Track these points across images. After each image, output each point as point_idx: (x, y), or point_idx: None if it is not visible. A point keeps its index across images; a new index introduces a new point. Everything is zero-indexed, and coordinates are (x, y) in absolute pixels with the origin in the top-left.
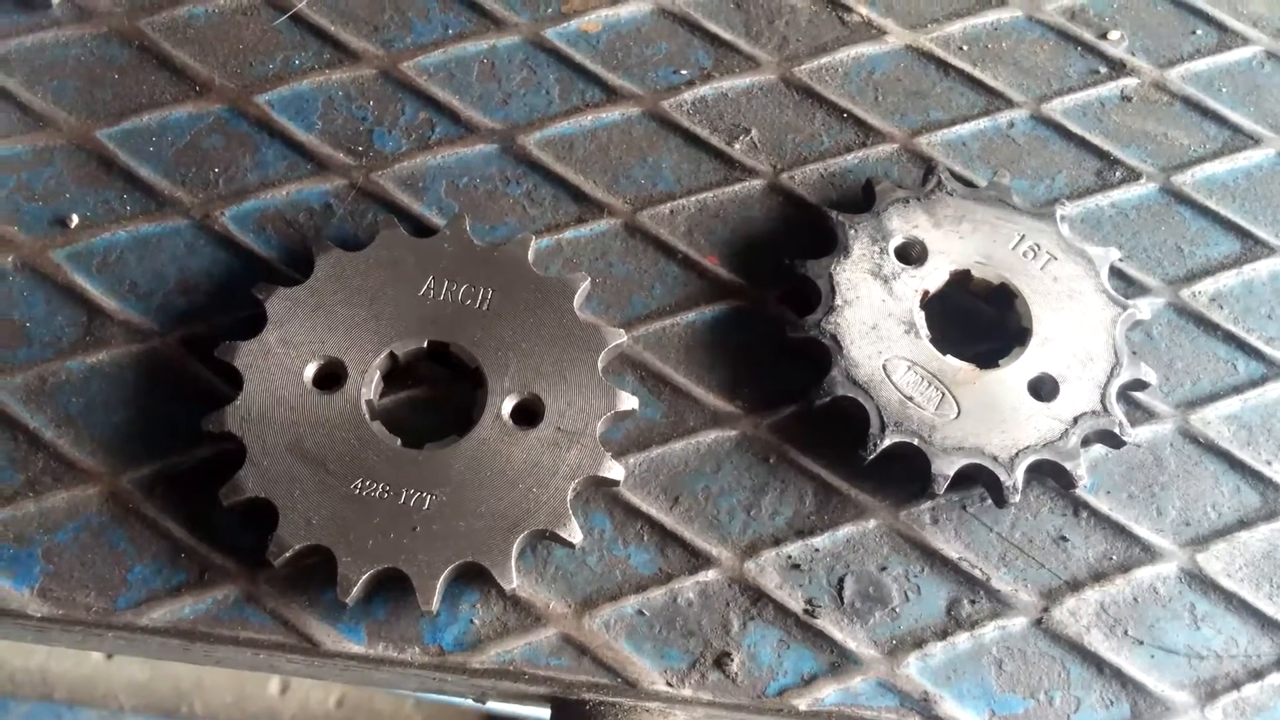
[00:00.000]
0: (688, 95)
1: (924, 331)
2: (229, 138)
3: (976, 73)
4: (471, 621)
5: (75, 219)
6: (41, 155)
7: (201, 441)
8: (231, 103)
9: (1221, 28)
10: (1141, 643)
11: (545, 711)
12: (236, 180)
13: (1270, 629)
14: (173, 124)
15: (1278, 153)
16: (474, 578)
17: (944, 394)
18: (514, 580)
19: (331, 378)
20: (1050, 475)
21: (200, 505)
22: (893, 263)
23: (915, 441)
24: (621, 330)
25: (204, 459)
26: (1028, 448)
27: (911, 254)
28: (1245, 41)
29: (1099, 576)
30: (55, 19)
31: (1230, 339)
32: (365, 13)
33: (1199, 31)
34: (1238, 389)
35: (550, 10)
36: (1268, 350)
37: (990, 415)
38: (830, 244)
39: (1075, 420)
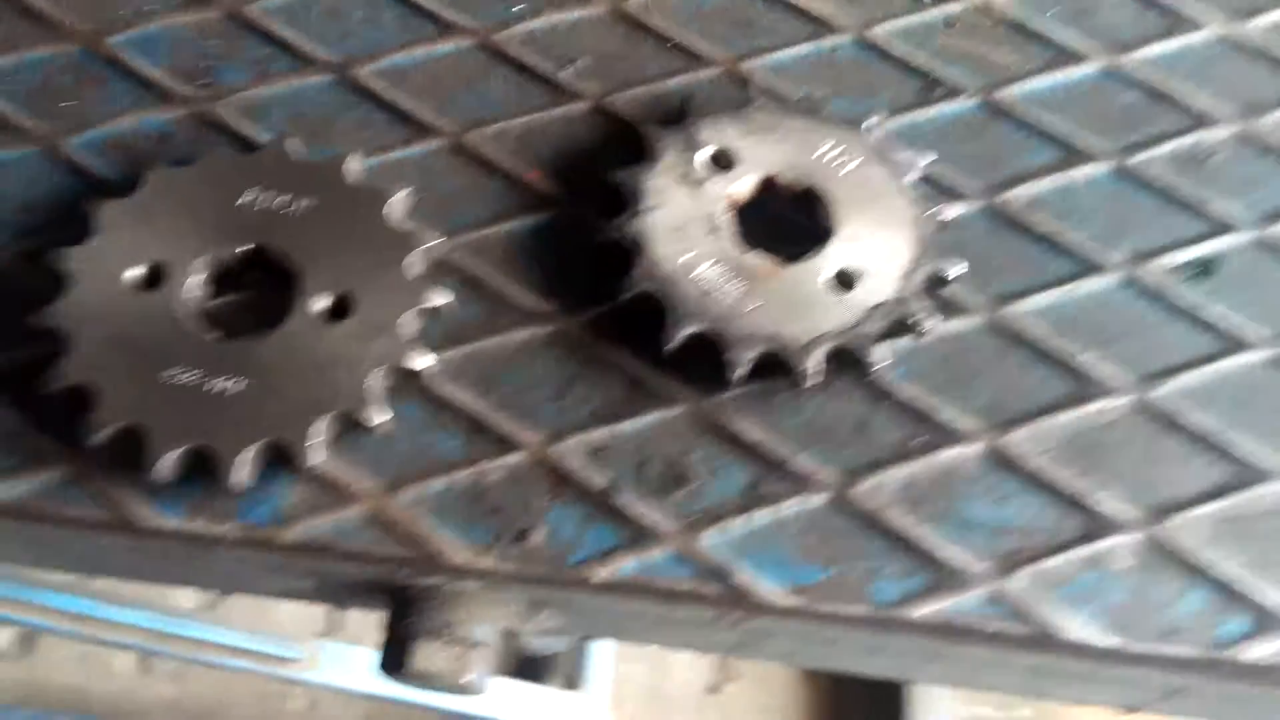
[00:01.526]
0: (519, 29)
1: (727, 231)
2: (81, 77)
3: (803, 2)
4: (282, 500)
5: None
6: None
7: (31, 340)
8: (85, 44)
9: None
10: (944, 518)
11: None
12: (84, 113)
13: (1074, 508)
14: (28, 65)
15: (1102, 69)
16: (286, 460)
17: (745, 287)
18: (316, 459)
19: (154, 279)
20: (850, 364)
21: (28, 399)
22: (701, 170)
23: (713, 330)
24: (437, 233)
25: (33, 357)
26: (824, 334)
27: (721, 162)
28: None
29: (903, 457)
30: None
31: (1045, 240)
32: None
33: None
34: (1051, 285)
35: None
36: (1082, 250)
37: (789, 306)
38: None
39: (874, 308)
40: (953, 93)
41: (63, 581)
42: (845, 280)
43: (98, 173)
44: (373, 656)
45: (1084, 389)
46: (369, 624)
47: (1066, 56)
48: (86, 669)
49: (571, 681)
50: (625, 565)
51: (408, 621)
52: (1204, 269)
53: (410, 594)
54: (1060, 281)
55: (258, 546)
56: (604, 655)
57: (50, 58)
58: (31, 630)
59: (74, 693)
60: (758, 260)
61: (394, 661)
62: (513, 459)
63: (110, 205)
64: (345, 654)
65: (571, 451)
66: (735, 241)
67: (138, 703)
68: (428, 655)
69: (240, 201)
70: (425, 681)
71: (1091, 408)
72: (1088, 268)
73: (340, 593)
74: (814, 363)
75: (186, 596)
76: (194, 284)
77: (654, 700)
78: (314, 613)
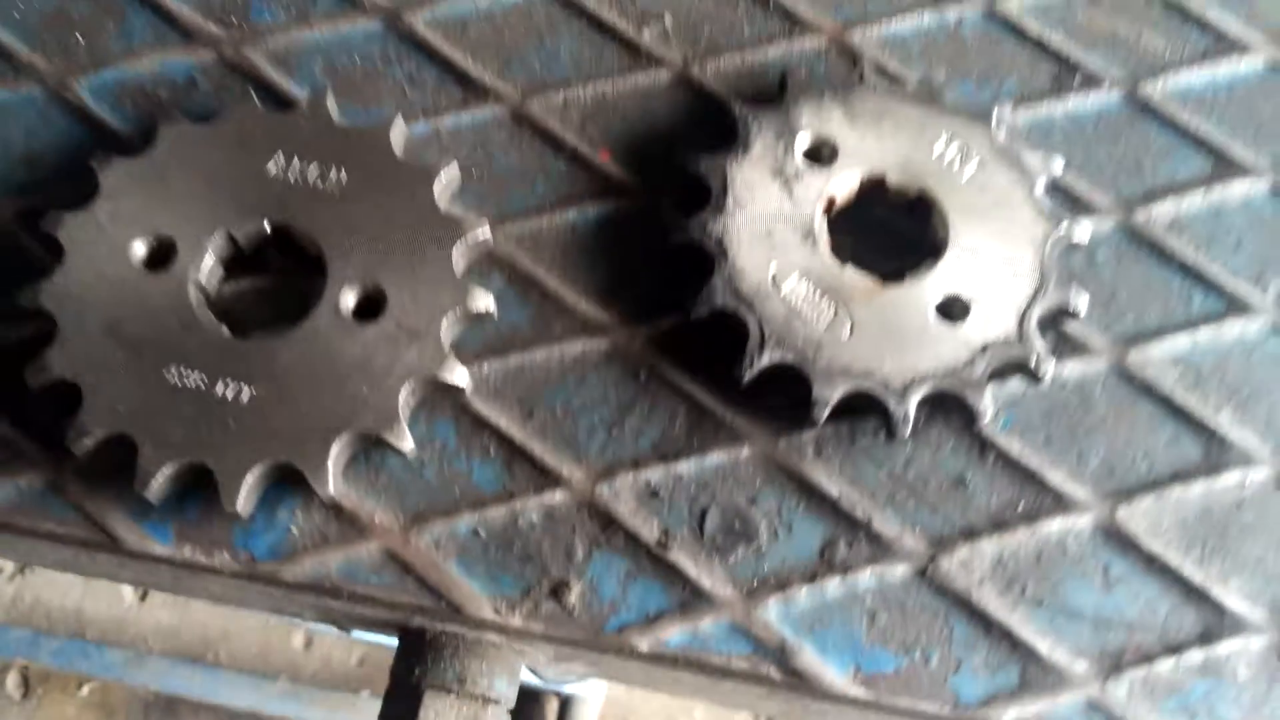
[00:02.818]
0: None
1: (823, 240)
2: (97, 4)
3: None
4: (289, 530)
5: None
6: None
7: (19, 319)
8: None
9: None
10: (1041, 603)
11: None
12: (99, 49)
13: (1196, 599)
14: None
15: (1267, 63)
16: (294, 482)
17: (837, 310)
18: (330, 486)
19: (161, 257)
20: (953, 409)
21: (11, 387)
22: (798, 163)
23: (797, 361)
24: (484, 221)
25: (19, 338)
26: (926, 375)
27: (821, 154)
28: None
29: (1000, 526)
30: None
31: (1187, 270)
32: None
33: None
34: (1189, 325)
35: None
36: (1230, 284)
37: (888, 336)
38: (734, 142)
39: (985, 347)
40: (1092, 82)
41: None
42: (955, 310)
43: (109, 122)
44: None
45: (1217, 456)
46: None
47: (1227, 46)
48: (83, 592)
49: None
50: (673, 635)
51: (417, 670)
52: None
53: (423, 637)
54: (1200, 321)
55: (256, 581)
56: None
57: None
58: None
59: (70, 615)
60: (856, 278)
61: (398, 714)
62: (554, 497)
63: (118, 165)
64: None
65: (622, 492)
66: (830, 252)
67: (135, 629)
68: (437, 711)
69: (267, 169)
70: None
71: (1224, 480)
72: (1233, 307)
73: (346, 623)
74: (910, 408)
75: None
76: (206, 264)
77: None
78: None
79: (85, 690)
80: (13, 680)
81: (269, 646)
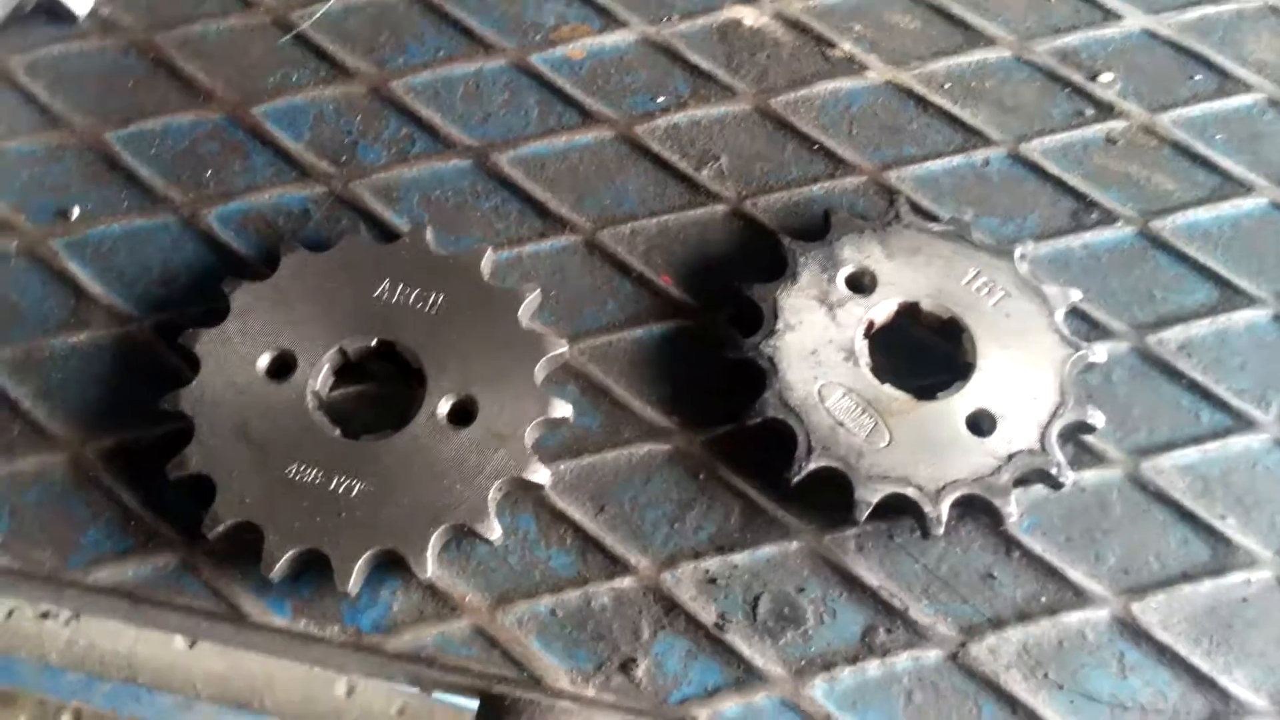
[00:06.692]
0: (661, 122)
1: (864, 360)
2: (224, 144)
3: (956, 110)
4: (390, 607)
5: (76, 211)
6: (54, 153)
7: (160, 420)
8: (230, 112)
9: (1223, 74)
10: (1062, 687)
11: None
12: (225, 183)
13: (1204, 686)
14: (174, 130)
15: (1270, 202)
16: (396, 565)
17: (877, 422)
18: (429, 570)
19: (282, 368)
20: (982, 511)
21: (152, 478)
22: (840, 291)
23: (841, 467)
24: (563, 340)
25: (160, 436)
26: (956, 481)
27: (862, 283)
28: (1247, 88)
29: (1024, 617)
30: (81, 31)
31: (1195, 388)
32: (364, 34)
33: (1198, 77)
34: (1198, 439)
35: (539, 37)
36: (1235, 402)
37: (922, 446)
38: (783, 270)
39: (1010, 458)
40: (1108, 218)
41: None
42: (983, 424)
43: (234, 247)
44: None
45: (1224, 557)
46: None
47: (1233, 186)
48: (136, 637)
49: None
50: (729, 707)
51: None
52: None
53: (502, 702)
54: (1209, 436)
55: (362, 651)
56: None
57: (197, 123)
58: None
59: (122, 659)
60: (892, 394)
61: None
62: (623, 583)
63: (246, 288)
64: None
65: (683, 579)
66: (870, 371)
67: (185, 675)
68: None
69: (374, 293)
70: None
71: (1230, 579)
72: (1239, 423)
73: (433, 687)
74: (943, 510)
75: None
76: (321, 375)
77: None
78: None
79: None
80: None
81: (312, 694)
